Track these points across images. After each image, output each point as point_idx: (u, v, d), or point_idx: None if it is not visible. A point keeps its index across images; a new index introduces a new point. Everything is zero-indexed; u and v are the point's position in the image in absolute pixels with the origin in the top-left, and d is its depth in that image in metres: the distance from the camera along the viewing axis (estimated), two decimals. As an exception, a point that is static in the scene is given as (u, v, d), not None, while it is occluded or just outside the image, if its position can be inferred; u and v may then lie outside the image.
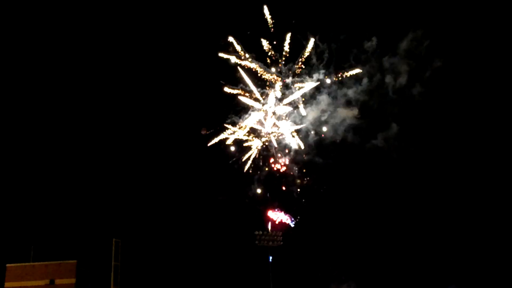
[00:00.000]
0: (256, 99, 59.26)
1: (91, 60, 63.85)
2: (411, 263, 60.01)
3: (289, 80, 59.00)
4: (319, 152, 60.59)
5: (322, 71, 58.95)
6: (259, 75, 59.06)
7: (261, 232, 59.43)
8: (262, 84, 59.49)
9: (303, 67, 59.33)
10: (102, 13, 63.22)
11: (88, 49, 63.98)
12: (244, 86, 59.07)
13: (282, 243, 59.61)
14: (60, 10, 62.59)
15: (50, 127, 63.51)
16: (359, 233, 61.75)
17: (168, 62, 63.69)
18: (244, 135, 59.88)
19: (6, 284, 47.60)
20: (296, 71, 59.27)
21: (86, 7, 63.16)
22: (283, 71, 59.32)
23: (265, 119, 59.64)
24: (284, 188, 61.55)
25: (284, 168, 60.99)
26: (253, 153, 60.61)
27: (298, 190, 61.33)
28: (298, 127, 60.01)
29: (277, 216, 61.41)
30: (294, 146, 60.26)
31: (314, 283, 61.53)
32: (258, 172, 61.17)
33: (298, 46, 59.33)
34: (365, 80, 58.92)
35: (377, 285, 60.33)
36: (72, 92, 64.16)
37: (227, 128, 59.24)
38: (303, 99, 59.56)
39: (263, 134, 60.38)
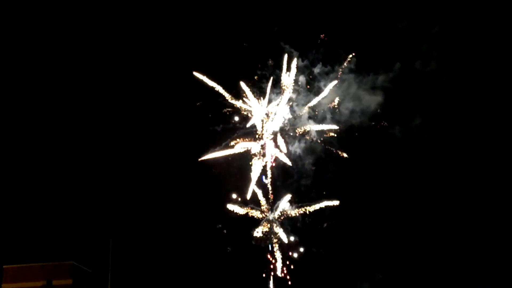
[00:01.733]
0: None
1: (91, 59, 64.24)
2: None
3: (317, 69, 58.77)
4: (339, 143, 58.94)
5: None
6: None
7: (257, 231, 59.17)
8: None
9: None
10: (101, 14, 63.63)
11: (88, 49, 64.34)
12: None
13: (280, 242, 59.19)
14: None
15: (46, 126, 63.60)
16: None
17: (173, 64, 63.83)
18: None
19: (4, 286, 47.58)
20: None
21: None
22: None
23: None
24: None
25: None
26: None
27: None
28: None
29: None
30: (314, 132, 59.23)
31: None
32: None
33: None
34: (396, 66, 57.33)
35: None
36: (69, 92, 64.34)
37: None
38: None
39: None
